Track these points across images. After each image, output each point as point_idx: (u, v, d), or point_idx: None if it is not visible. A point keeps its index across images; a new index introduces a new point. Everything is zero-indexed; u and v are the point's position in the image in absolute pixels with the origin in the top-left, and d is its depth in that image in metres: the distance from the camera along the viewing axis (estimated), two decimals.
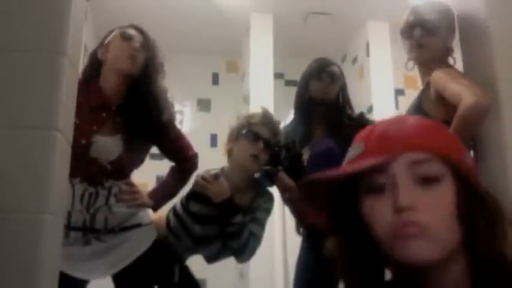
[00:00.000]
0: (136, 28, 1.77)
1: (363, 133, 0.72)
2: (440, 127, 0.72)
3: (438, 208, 0.63)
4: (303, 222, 1.99)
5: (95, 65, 1.72)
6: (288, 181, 1.92)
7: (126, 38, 1.70)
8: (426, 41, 1.69)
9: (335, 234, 0.75)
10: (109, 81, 1.70)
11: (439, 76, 1.60)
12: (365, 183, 0.67)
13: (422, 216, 0.62)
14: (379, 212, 0.65)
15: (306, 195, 0.74)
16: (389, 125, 0.70)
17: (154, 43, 1.78)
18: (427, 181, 0.64)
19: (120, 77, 1.70)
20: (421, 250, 0.61)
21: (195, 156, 1.91)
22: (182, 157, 1.87)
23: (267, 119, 1.89)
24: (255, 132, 1.83)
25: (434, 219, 0.62)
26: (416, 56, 1.75)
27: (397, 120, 0.72)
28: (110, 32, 1.77)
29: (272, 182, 1.95)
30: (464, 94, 1.44)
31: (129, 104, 1.70)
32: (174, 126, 1.84)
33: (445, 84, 1.55)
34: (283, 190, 1.96)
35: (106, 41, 1.73)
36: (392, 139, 0.67)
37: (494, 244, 0.64)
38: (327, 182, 0.70)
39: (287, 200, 1.98)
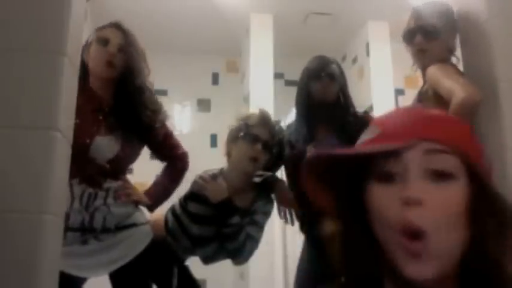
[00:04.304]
0: (116, 26, 1.72)
1: (379, 118, 0.68)
2: (463, 124, 0.68)
3: (447, 206, 0.59)
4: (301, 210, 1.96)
5: (83, 67, 1.68)
6: (288, 193, 1.91)
7: (102, 42, 1.67)
8: (428, 46, 1.69)
9: (338, 219, 0.70)
10: (95, 85, 1.71)
11: (433, 73, 1.60)
12: (375, 169, 0.63)
13: (429, 213, 0.58)
14: (386, 202, 0.61)
15: (310, 168, 0.69)
16: (410, 112, 0.66)
17: (134, 41, 1.73)
18: (440, 176, 0.60)
19: (103, 81, 1.70)
20: (422, 271, 0.58)
21: (185, 155, 1.90)
22: (171, 155, 1.87)
23: (265, 120, 1.88)
24: (253, 134, 1.82)
25: (441, 217, 0.58)
26: (419, 61, 1.75)
27: (419, 108, 0.67)
28: (95, 32, 1.73)
29: (271, 191, 1.94)
30: (455, 90, 1.45)
31: (118, 105, 1.71)
32: (162, 124, 1.82)
33: (438, 81, 1.56)
34: (280, 202, 1.95)
35: (88, 41, 1.70)
36: (411, 125, 0.63)
37: (500, 248, 0.60)
38: (335, 162, 0.66)
39: (283, 212, 1.97)
